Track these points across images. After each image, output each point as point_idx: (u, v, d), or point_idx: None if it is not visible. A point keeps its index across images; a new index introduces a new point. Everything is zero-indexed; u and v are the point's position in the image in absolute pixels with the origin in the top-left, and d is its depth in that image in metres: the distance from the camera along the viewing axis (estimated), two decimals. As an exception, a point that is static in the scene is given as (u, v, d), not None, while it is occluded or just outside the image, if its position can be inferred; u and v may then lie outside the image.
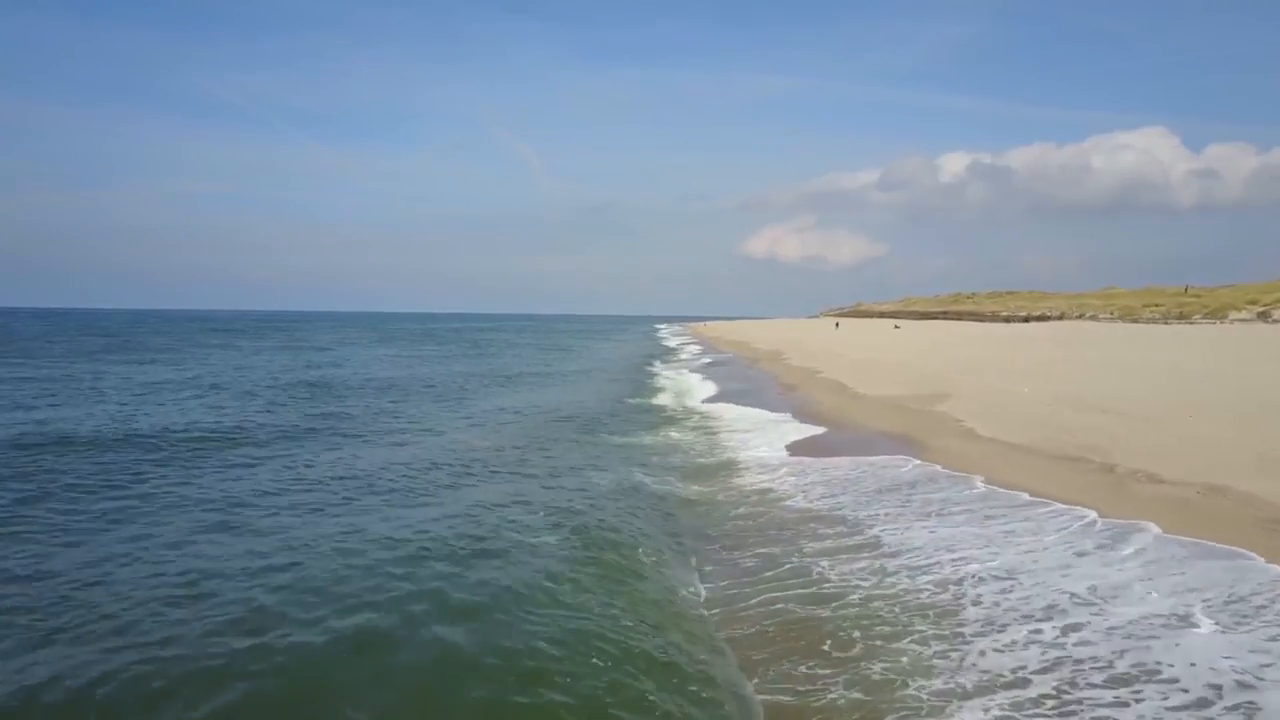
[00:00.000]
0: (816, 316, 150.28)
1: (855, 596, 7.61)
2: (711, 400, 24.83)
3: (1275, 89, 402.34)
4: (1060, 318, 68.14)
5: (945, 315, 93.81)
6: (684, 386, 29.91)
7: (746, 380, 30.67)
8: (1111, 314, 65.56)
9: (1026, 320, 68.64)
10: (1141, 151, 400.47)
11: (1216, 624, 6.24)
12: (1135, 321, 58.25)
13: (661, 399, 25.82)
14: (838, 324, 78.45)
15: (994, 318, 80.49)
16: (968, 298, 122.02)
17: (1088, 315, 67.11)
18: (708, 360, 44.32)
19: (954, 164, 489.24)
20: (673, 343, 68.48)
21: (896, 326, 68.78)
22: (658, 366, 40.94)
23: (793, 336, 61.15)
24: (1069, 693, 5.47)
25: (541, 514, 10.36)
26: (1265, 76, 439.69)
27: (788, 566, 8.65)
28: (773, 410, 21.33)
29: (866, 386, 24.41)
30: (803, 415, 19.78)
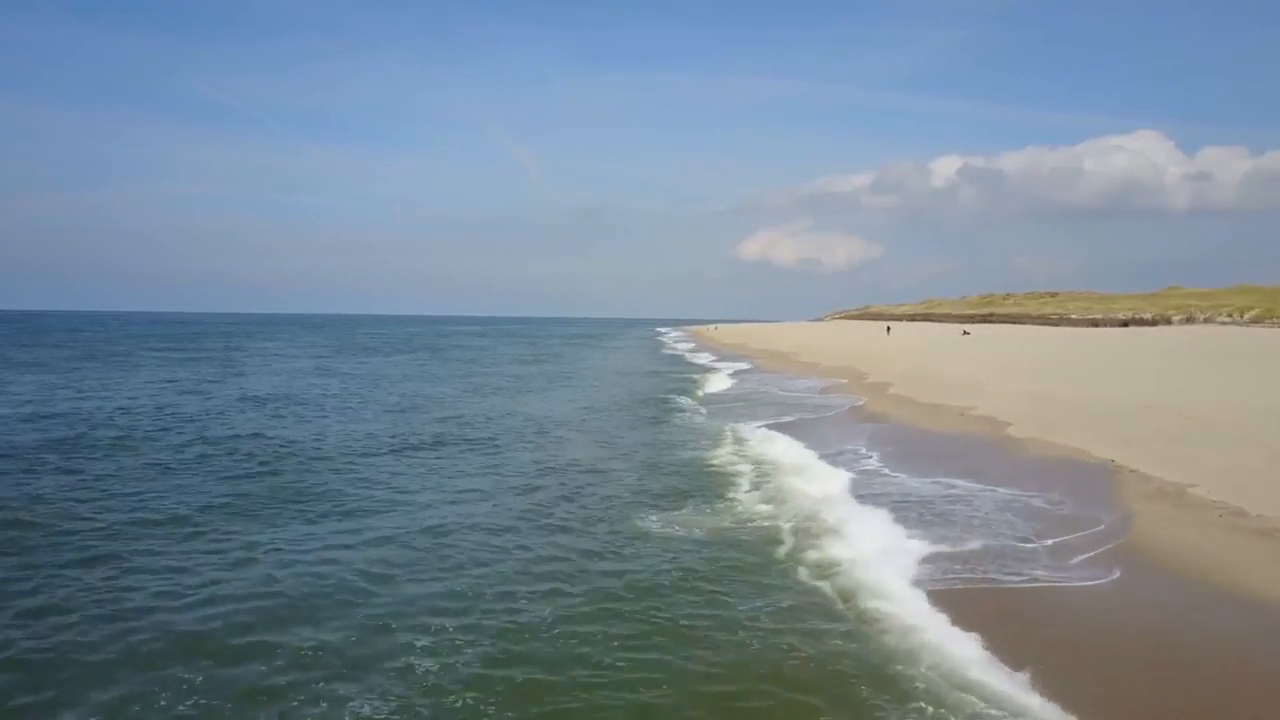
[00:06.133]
0: (821, 319, 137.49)
1: None
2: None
3: (1268, 92, 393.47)
4: (1166, 321, 55.10)
5: (993, 319, 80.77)
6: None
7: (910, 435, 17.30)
8: (1231, 315, 52.59)
9: (1126, 325, 55.49)
10: (1135, 154, 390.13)
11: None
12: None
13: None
14: (889, 328, 65.13)
15: (1063, 321, 67.42)
16: (1003, 299, 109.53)
17: (1200, 318, 54.11)
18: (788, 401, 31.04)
19: (946, 167, 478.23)
20: (697, 359, 55.07)
21: (965, 332, 55.53)
22: (704, 420, 27.73)
23: (840, 345, 48.09)
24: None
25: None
26: (1258, 80, 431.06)
27: None
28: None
29: (1196, 476, 11.18)
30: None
